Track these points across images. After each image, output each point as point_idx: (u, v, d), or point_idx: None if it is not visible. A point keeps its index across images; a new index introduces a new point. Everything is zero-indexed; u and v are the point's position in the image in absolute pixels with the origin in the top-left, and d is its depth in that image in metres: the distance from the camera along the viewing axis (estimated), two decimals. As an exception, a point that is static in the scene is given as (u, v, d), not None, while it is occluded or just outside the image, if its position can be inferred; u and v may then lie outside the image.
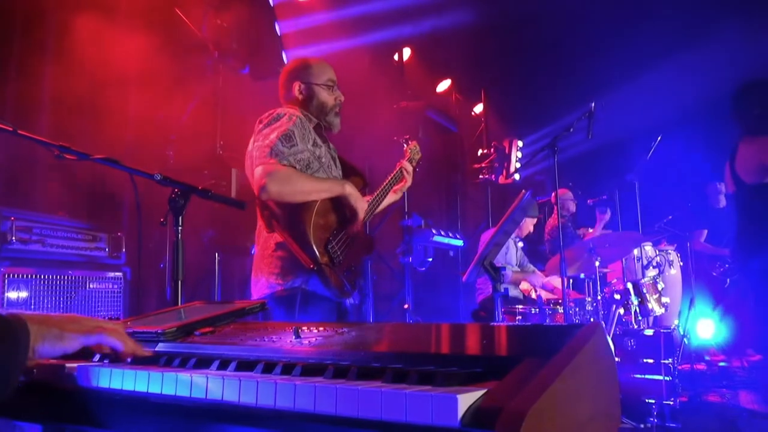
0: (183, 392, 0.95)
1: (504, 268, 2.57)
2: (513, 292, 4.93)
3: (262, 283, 2.26)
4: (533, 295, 4.88)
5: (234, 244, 3.64)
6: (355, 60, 5.22)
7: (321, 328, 1.27)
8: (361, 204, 2.30)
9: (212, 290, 3.75)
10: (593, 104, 3.99)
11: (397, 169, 2.63)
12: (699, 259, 5.90)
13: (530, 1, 6.08)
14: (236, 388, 0.89)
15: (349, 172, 2.51)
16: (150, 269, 3.80)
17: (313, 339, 1.18)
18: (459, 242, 5.46)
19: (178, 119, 3.82)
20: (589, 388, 0.95)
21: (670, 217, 5.77)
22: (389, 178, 2.59)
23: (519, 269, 5.05)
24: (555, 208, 6.42)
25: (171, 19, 3.82)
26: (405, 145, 2.78)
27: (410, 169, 2.66)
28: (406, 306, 4.78)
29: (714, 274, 5.64)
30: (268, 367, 0.99)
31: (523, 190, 2.44)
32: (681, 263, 5.70)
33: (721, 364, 5.46)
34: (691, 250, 5.84)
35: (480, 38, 6.58)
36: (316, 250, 2.09)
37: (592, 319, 4.24)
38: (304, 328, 1.28)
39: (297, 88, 2.38)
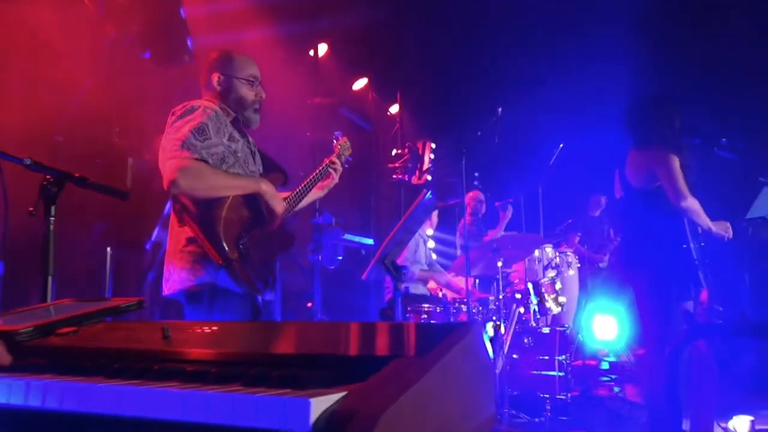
0: (17, 400, 0.86)
1: (405, 267, 2.58)
2: (420, 290, 5.00)
3: (174, 279, 2.19)
4: (440, 294, 4.97)
5: (128, 238, 3.43)
6: (267, 52, 5.09)
7: (195, 329, 1.19)
8: (277, 202, 2.26)
9: (103, 287, 3.51)
10: (500, 109, 4.13)
11: (324, 164, 2.58)
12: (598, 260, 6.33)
13: (449, 5, 6.20)
14: (73, 394, 0.81)
15: (269, 168, 2.46)
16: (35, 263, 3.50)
17: (183, 340, 1.11)
18: (370, 241, 5.47)
19: (68, 102, 3.55)
20: (459, 388, 0.95)
21: (570, 221, 6.09)
22: (314, 174, 2.54)
23: (427, 268, 5.12)
24: (467, 209, 6.61)
25: (64, -7, 3.53)
26: (335, 141, 2.72)
27: (339, 165, 2.62)
28: (309, 304, 4.72)
29: (601, 265, 6.08)
30: (121, 371, 0.91)
31: (425, 190, 2.46)
32: (578, 265, 6.03)
33: (611, 359, 5.83)
34: (587, 252, 6.20)
35: (398, 39, 6.64)
36: (225, 245, 2.05)
37: (494, 318, 4.37)
38: (176, 328, 1.20)
39: (216, 79, 2.32)
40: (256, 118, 2.37)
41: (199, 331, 1.18)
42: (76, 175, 1.81)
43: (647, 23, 5.86)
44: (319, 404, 0.70)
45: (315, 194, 2.57)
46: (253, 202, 2.21)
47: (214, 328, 1.18)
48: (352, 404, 0.72)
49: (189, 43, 3.68)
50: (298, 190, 2.45)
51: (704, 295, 2.09)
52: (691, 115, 3.32)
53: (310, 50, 5.74)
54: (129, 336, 1.20)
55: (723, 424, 3.58)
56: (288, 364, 0.88)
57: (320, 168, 2.55)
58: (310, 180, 2.48)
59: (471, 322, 0.95)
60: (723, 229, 3.02)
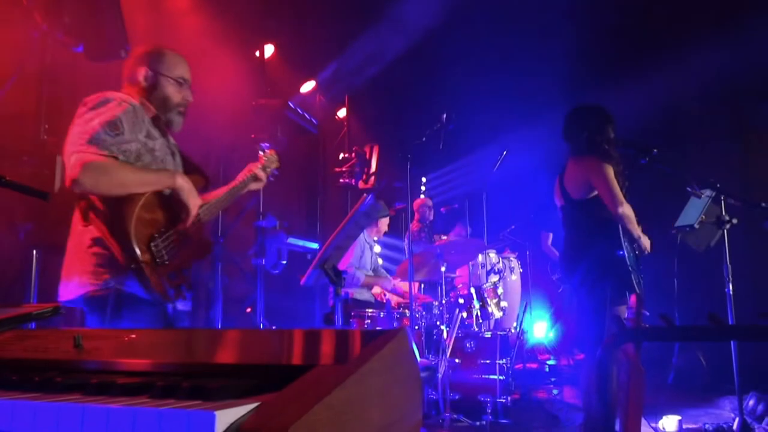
0: None
1: (346, 272, 2.56)
2: (365, 296, 4.98)
3: (74, 283, 2.02)
4: (384, 299, 4.97)
5: (55, 240, 3.25)
6: (212, 50, 4.97)
7: (111, 337, 1.13)
8: (193, 199, 2.12)
9: (28, 292, 3.31)
10: (444, 116, 4.18)
11: (246, 176, 2.47)
12: (543, 264, 6.44)
13: (398, 10, 6.24)
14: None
15: (190, 170, 2.31)
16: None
17: (95, 349, 1.04)
18: (315, 245, 5.40)
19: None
20: (382, 395, 0.93)
21: (513, 226, 6.21)
22: (235, 184, 2.44)
23: (372, 273, 5.11)
24: (416, 215, 6.65)
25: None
26: (261, 152, 2.62)
27: (263, 176, 2.53)
28: (248, 310, 4.61)
29: (554, 278, 6.18)
30: (20, 384, 0.85)
31: (365, 194, 2.44)
32: (521, 270, 6.16)
33: (551, 362, 5.97)
34: (530, 257, 6.33)
35: (347, 43, 6.63)
36: (136, 247, 1.89)
37: (438, 323, 4.40)
38: (90, 336, 1.13)
39: (143, 74, 2.18)
40: (179, 120, 2.26)
41: (115, 339, 1.12)
42: (-8, 173, 1.69)
43: (589, 36, 6.07)
44: (226, 417, 0.67)
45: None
46: (169, 201, 2.08)
47: (132, 336, 1.12)
48: (263, 416, 0.69)
49: (126, 37, 3.54)
50: (219, 197, 2.34)
51: (633, 300, 2.16)
52: (624, 126, 3.46)
53: (256, 51, 5.64)
54: (38, 345, 1.12)
55: (653, 424, 3.72)
56: (202, 374, 0.84)
57: (242, 179, 2.45)
58: (231, 190, 2.39)
59: (398, 329, 0.93)
60: (645, 242, 3.14)
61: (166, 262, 1.99)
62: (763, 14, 5.11)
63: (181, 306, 2.14)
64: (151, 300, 1.98)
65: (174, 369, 0.86)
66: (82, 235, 2.03)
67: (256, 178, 2.48)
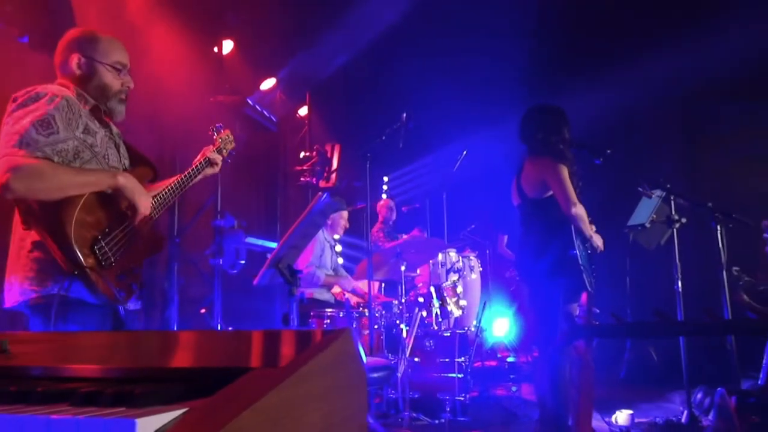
0: None
1: (300, 272, 2.53)
2: (325, 296, 4.94)
3: (15, 289, 1.92)
4: (344, 299, 4.94)
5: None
6: (169, 45, 4.85)
7: (41, 341, 1.08)
8: (141, 198, 2.00)
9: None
10: (404, 115, 4.17)
11: (201, 159, 2.34)
12: (500, 263, 6.53)
13: (358, 9, 6.21)
14: None
15: (137, 162, 2.21)
16: None
17: (22, 354, 0.99)
18: (274, 245, 5.33)
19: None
20: (322, 398, 0.91)
21: (473, 226, 6.27)
22: (188, 170, 2.31)
23: (333, 273, 5.08)
24: (379, 216, 6.64)
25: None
26: (215, 134, 2.49)
27: (218, 159, 2.40)
28: (202, 311, 4.52)
29: (507, 275, 6.27)
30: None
31: (320, 193, 2.42)
32: (481, 269, 6.22)
33: (511, 360, 6.05)
34: (490, 256, 6.41)
35: (308, 41, 6.56)
36: (78, 251, 1.79)
37: (398, 322, 4.40)
38: (18, 340, 1.07)
39: (76, 61, 2.03)
40: (120, 108, 2.12)
41: (47, 343, 1.07)
42: None
43: (547, 38, 6.18)
44: (148, 424, 0.63)
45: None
46: (112, 200, 1.97)
47: (65, 340, 1.07)
48: (188, 422, 0.66)
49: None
50: (170, 186, 2.21)
51: (584, 297, 2.21)
52: (580, 127, 3.52)
53: (214, 47, 5.53)
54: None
55: (606, 419, 3.81)
56: (130, 380, 0.80)
57: (195, 164, 2.33)
58: (185, 176, 2.26)
59: (342, 329, 0.91)
60: (599, 240, 3.22)
61: (113, 264, 1.91)
62: (715, 20, 5.30)
63: (132, 305, 2.06)
64: (99, 303, 1.91)
65: (101, 374, 0.82)
66: (24, 238, 1.93)
67: (210, 162, 2.37)
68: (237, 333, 0.95)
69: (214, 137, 2.48)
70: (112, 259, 1.91)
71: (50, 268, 1.88)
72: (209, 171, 2.39)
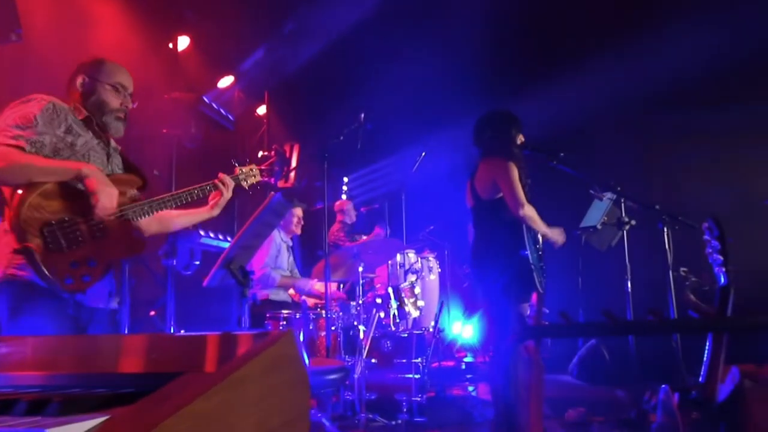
0: None
1: (252, 272, 2.48)
2: (281, 296, 4.88)
3: None
4: (301, 300, 4.89)
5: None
6: (121, 38, 4.70)
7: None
8: (104, 188, 2.06)
9: None
10: (362, 115, 4.16)
11: (209, 183, 2.44)
12: (461, 263, 6.59)
13: (317, 8, 6.17)
14: None
15: (128, 170, 2.35)
16: None
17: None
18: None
19: None
20: (259, 402, 0.88)
21: (432, 227, 6.31)
22: (192, 187, 2.38)
23: (289, 274, 5.02)
24: (338, 216, 6.61)
25: None
26: (236, 165, 2.62)
27: (229, 182, 2.50)
28: (152, 313, 4.40)
29: (464, 271, 6.33)
30: None
31: (272, 192, 2.38)
32: (440, 270, 6.26)
33: (468, 360, 6.11)
34: (449, 257, 6.46)
35: (267, 39, 6.48)
36: (25, 230, 1.92)
37: (355, 323, 4.38)
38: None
39: (80, 81, 2.25)
40: (117, 125, 2.29)
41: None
42: None
43: (505, 43, 6.27)
44: (59, 435, 0.60)
45: (205, 213, 2.50)
46: (79, 192, 2.07)
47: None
48: (108, 431, 0.63)
49: (18, 20, 3.28)
50: (159, 198, 2.28)
51: (534, 297, 2.24)
52: (536, 132, 3.58)
53: (169, 43, 5.40)
54: None
55: (558, 417, 3.88)
56: (51, 387, 0.76)
57: (205, 184, 2.42)
58: (184, 192, 2.32)
59: (282, 332, 0.89)
60: (557, 234, 3.27)
61: (65, 250, 1.98)
62: (667, 27, 5.47)
63: (108, 305, 2.17)
64: (47, 287, 1.96)
65: (19, 382, 0.78)
66: (2, 224, 2.07)
67: (216, 186, 2.46)
68: (171, 337, 0.92)
69: (235, 167, 2.61)
70: (64, 245, 1.98)
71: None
72: (219, 197, 2.48)
